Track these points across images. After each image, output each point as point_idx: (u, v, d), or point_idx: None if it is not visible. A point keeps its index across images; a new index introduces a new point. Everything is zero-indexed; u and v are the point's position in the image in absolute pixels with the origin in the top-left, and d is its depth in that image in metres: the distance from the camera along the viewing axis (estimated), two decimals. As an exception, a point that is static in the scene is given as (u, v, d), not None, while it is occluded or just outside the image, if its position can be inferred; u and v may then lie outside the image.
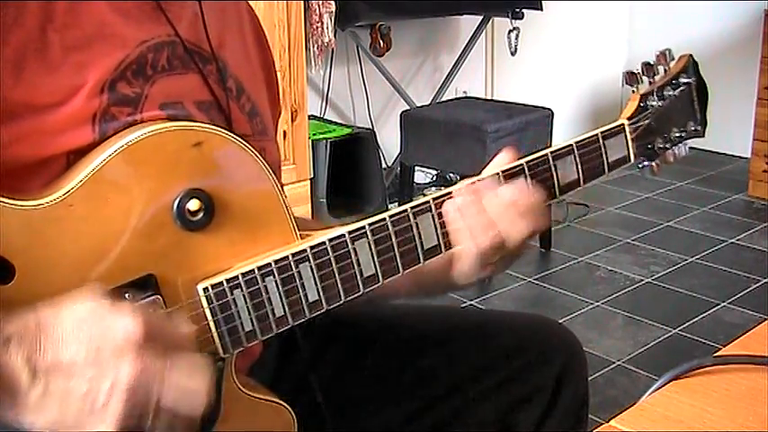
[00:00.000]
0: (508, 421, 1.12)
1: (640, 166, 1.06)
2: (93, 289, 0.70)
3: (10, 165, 0.74)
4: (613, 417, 0.74)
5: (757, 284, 3.06)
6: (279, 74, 1.12)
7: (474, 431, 1.12)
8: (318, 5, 3.13)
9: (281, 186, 0.91)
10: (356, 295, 0.85)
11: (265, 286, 0.79)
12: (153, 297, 0.76)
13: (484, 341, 1.15)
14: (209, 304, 0.77)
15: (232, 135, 0.79)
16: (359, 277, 0.84)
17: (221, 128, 0.80)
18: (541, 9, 3.73)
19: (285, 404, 0.86)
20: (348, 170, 3.37)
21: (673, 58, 1.06)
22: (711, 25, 4.53)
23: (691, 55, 1.08)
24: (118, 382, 0.65)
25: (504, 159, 0.94)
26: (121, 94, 0.80)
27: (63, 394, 0.64)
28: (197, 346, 0.77)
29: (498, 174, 0.92)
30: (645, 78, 1.04)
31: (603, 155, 0.99)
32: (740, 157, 4.36)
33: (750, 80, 4.01)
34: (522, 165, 0.93)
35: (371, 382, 1.12)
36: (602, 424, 0.73)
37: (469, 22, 3.93)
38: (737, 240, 3.49)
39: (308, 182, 2.96)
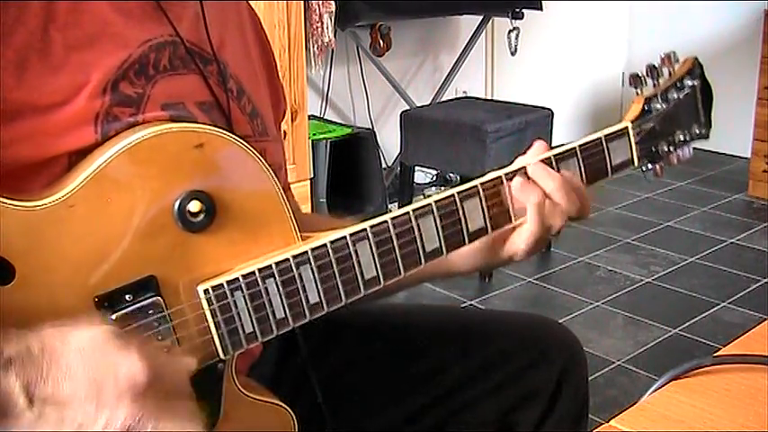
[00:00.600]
0: (508, 421, 1.12)
1: (644, 168, 1.06)
2: (103, 318, 0.69)
3: (11, 165, 0.74)
4: (613, 417, 0.74)
5: (757, 284, 3.06)
6: (279, 73, 1.12)
7: (474, 431, 1.12)
8: (318, 5, 3.13)
9: (288, 186, 0.92)
10: (357, 297, 0.85)
11: (266, 288, 0.79)
12: (154, 298, 0.76)
13: (484, 341, 1.15)
14: (209, 306, 0.77)
15: (233, 136, 0.79)
16: (360, 279, 0.84)
17: (222, 129, 0.80)
18: (541, 9, 3.73)
19: (285, 405, 0.86)
20: (348, 170, 3.37)
21: (677, 61, 1.06)
22: (711, 25, 4.53)
23: (696, 57, 1.08)
24: (112, 423, 0.64)
25: (538, 150, 0.96)
26: (123, 94, 0.80)
27: (55, 425, 0.63)
28: (197, 349, 0.78)
29: (501, 176, 0.92)
30: (649, 81, 1.03)
31: (607, 158, 0.99)
32: (740, 157, 4.36)
33: (750, 80, 4.01)
34: (523, 168, 0.93)
35: (371, 382, 1.12)
36: (602, 424, 0.73)
37: (469, 22, 3.93)
38: (737, 240, 3.49)
39: (308, 182, 2.96)
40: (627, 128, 1.01)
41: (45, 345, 0.64)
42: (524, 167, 0.94)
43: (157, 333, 0.77)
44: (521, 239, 0.95)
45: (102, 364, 0.64)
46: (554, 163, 0.95)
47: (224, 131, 0.79)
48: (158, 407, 0.66)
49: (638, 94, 1.03)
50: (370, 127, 3.75)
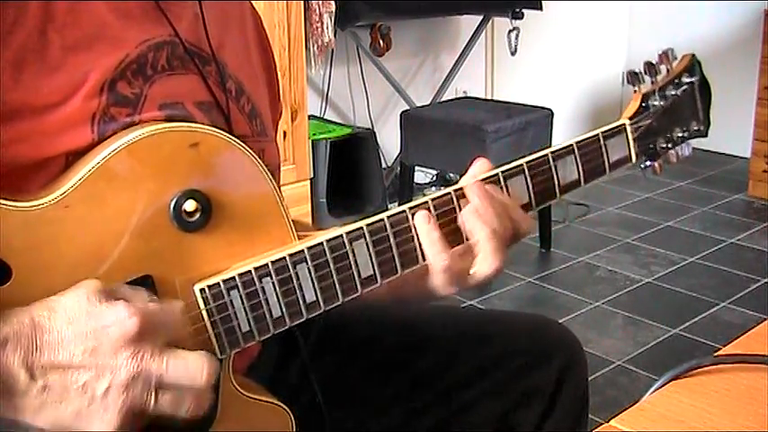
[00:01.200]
0: (508, 421, 1.12)
1: (642, 166, 1.05)
2: (86, 282, 0.70)
3: (9, 165, 0.74)
4: (613, 417, 0.74)
5: (757, 284, 3.06)
6: (278, 74, 1.11)
7: (474, 430, 1.12)
8: (318, 5, 3.13)
9: (279, 188, 0.91)
10: (354, 296, 0.85)
11: (262, 287, 0.79)
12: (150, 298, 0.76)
13: (484, 341, 1.15)
14: (206, 305, 0.77)
15: (229, 136, 0.79)
16: (357, 278, 0.83)
17: (220, 129, 0.79)
18: (541, 9, 3.73)
19: (283, 405, 0.86)
20: (348, 170, 3.37)
21: (675, 58, 1.05)
22: (711, 25, 4.53)
23: (693, 54, 1.08)
24: (115, 381, 0.66)
25: (481, 168, 0.92)
26: (120, 94, 0.80)
27: (61, 394, 0.65)
28: (194, 348, 0.77)
29: (498, 174, 0.92)
30: (647, 78, 1.03)
31: (604, 155, 0.99)
32: (740, 157, 4.36)
33: (750, 80, 4.01)
34: (522, 165, 0.93)
35: (371, 382, 1.12)
36: (602, 424, 0.73)
37: (469, 22, 3.93)
38: (737, 240, 3.48)
39: (308, 182, 2.96)
40: (624, 125, 1.01)
41: (34, 317, 0.66)
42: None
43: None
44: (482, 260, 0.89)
45: (93, 327, 0.66)
46: (551, 160, 0.94)
47: (220, 131, 0.78)
48: (158, 350, 0.68)
49: (635, 91, 1.03)
50: (370, 127, 3.75)
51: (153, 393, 0.67)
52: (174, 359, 0.68)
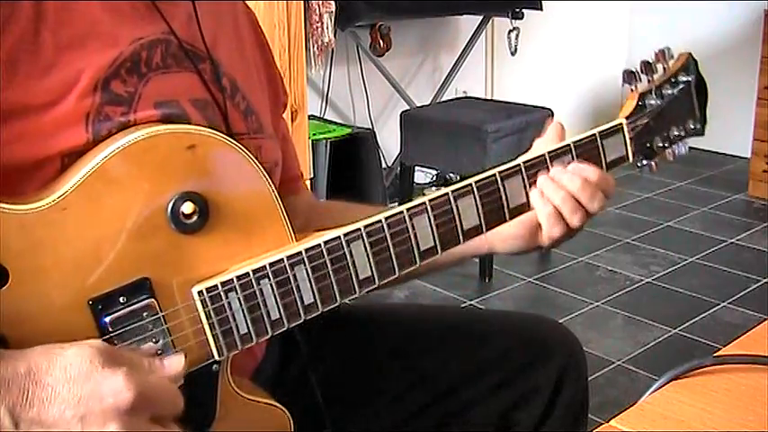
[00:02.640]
0: (508, 421, 1.12)
1: (639, 165, 1.05)
2: (92, 341, 0.68)
3: (5, 166, 0.74)
4: (613, 417, 0.74)
5: (757, 284, 3.06)
6: (278, 68, 1.12)
7: (474, 430, 1.12)
8: (318, 5, 3.12)
9: (301, 175, 0.93)
10: (352, 297, 0.84)
11: (260, 289, 0.78)
12: (147, 300, 0.76)
13: (484, 341, 1.15)
14: (203, 307, 0.77)
15: (226, 137, 0.79)
16: (354, 279, 0.83)
17: (216, 129, 0.79)
18: (541, 9, 3.73)
19: (281, 406, 0.86)
20: (348, 170, 3.37)
21: (672, 57, 1.06)
22: (711, 25, 4.53)
23: (690, 53, 1.08)
24: None
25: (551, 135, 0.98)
26: (114, 93, 0.80)
27: None
28: (192, 351, 0.77)
29: (496, 174, 0.92)
30: (644, 77, 1.03)
31: (602, 154, 0.99)
32: (740, 157, 4.36)
33: (750, 80, 4.01)
34: (519, 165, 0.93)
35: (371, 382, 1.12)
36: (602, 424, 0.73)
37: (469, 22, 3.93)
38: (737, 240, 3.48)
39: (309, 182, 2.96)
40: (621, 124, 1.01)
41: (31, 366, 0.64)
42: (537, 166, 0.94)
43: (152, 335, 0.76)
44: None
45: (88, 392, 0.64)
46: (547, 160, 0.95)
47: (217, 132, 0.78)
48: (148, 426, 0.66)
49: (632, 90, 1.03)
50: (370, 127, 3.75)
51: None
52: None
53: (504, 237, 1.00)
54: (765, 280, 3.08)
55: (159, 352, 0.76)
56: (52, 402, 0.63)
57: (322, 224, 0.87)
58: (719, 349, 0.88)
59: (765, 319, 0.93)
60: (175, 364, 0.72)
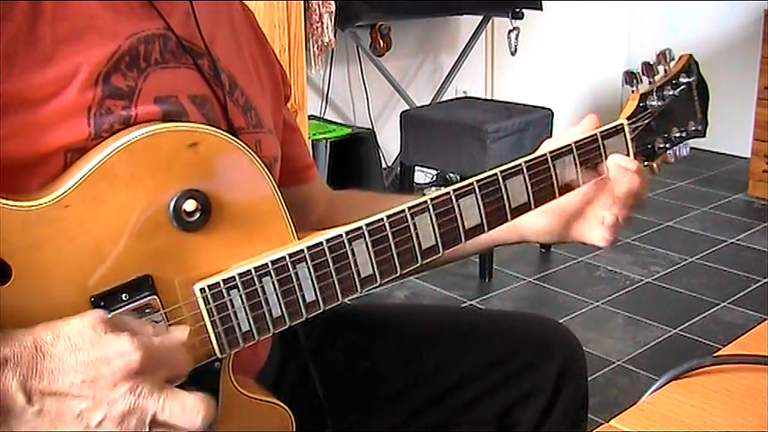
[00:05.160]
0: (508, 420, 1.12)
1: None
2: (93, 310, 0.69)
3: (8, 162, 0.74)
4: (613, 417, 0.74)
5: (757, 284, 3.06)
6: (279, 61, 1.12)
7: (474, 430, 1.12)
8: (318, 5, 3.13)
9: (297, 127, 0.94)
10: (354, 296, 0.84)
11: (262, 287, 0.78)
12: (149, 298, 0.76)
13: (484, 341, 1.15)
14: (206, 305, 0.77)
15: (229, 135, 0.79)
16: (356, 277, 0.83)
17: (215, 126, 0.79)
18: (541, 9, 3.73)
19: (283, 405, 0.86)
20: (348, 170, 3.37)
21: (673, 58, 1.06)
22: (711, 25, 4.53)
23: (691, 55, 1.08)
24: (110, 414, 0.65)
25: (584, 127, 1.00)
26: (115, 86, 0.80)
27: (55, 420, 0.64)
28: (193, 348, 0.77)
29: (497, 174, 0.92)
30: (644, 78, 1.03)
31: (603, 155, 0.99)
32: (740, 157, 4.36)
33: (750, 80, 4.01)
34: (520, 165, 0.93)
35: (372, 381, 1.12)
36: (602, 424, 0.73)
37: (469, 22, 3.93)
38: (737, 240, 3.48)
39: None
40: (622, 125, 1.01)
41: (36, 340, 0.65)
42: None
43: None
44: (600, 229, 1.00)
45: (95, 357, 0.65)
46: (549, 160, 0.95)
47: (218, 130, 0.78)
48: (157, 388, 0.67)
49: (633, 91, 1.03)
50: (370, 127, 3.75)
51: (146, 430, 0.66)
52: (172, 398, 0.67)
53: (538, 229, 1.02)
54: (765, 280, 3.08)
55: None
56: (61, 371, 0.64)
57: (344, 213, 0.88)
58: (719, 349, 0.88)
59: (765, 319, 0.93)
60: (178, 330, 0.73)
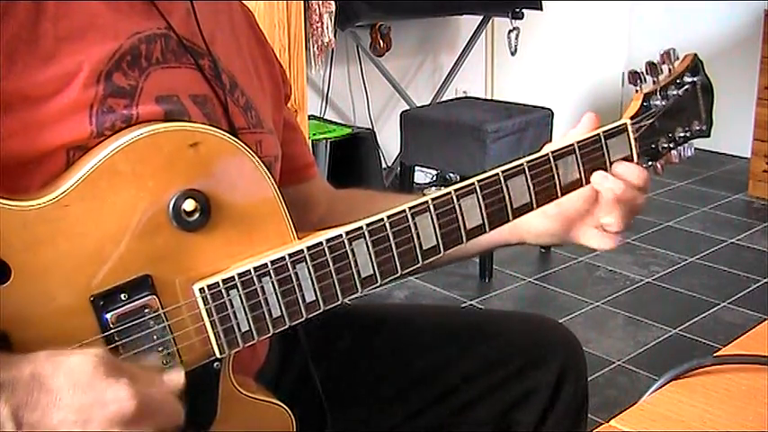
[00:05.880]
0: (508, 420, 1.12)
1: (644, 166, 1.05)
2: (96, 349, 0.69)
3: (9, 160, 0.74)
4: (613, 417, 0.73)
5: (757, 284, 3.06)
6: (279, 61, 1.12)
7: (474, 430, 1.12)
8: (318, 5, 3.12)
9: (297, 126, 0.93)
10: (354, 296, 0.84)
11: (262, 287, 0.78)
12: (149, 297, 0.76)
13: (484, 341, 1.15)
14: (205, 305, 0.77)
15: (229, 136, 0.79)
16: (356, 278, 0.83)
17: (216, 125, 0.79)
18: (541, 9, 3.73)
19: (283, 405, 0.86)
20: (348, 170, 3.37)
21: (677, 58, 1.05)
22: (711, 25, 4.53)
23: (696, 54, 1.07)
24: None
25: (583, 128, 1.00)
26: (117, 85, 0.80)
27: None
28: (193, 348, 0.77)
29: (499, 174, 0.92)
30: (648, 78, 1.03)
31: (606, 154, 0.99)
32: (740, 157, 4.36)
33: (750, 80, 4.01)
34: (522, 164, 0.93)
35: (372, 381, 1.12)
36: (602, 424, 0.73)
37: (469, 22, 3.93)
38: (737, 240, 3.48)
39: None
40: (626, 124, 1.00)
41: (36, 371, 0.64)
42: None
43: (153, 332, 0.76)
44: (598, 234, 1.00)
45: (91, 399, 0.64)
46: (551, 160, 0.95)
47: (219, 131, 0.78)
48: None
49: (637, 91, 1.02)
50: (370, 127, 3.75)
51: None
52: None
53: (538, 231, 1.02)
54: (765, 280, 3.08)
55: (164, 363, 0.76)
56: (56, 408, 0.64)
57: (346, 212, 0.87)
58: (719, 349, 0.88)
59: (765, 319, 0.93)
60: (175, 378, 0.72)
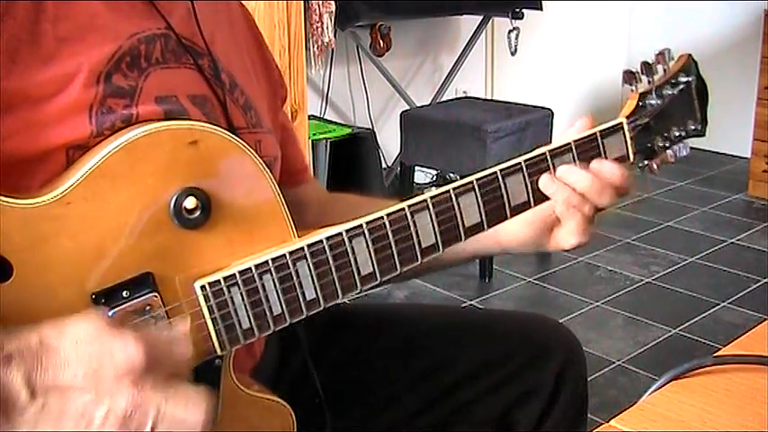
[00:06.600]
0: (507, 420, 1.12)
1: (640, 165, 1.05)
2: (98, 310, 0.70)
3: (10, 159, 0.74)
4: (613, 417, 0.74)
5: (757, 284, 3.06)
6: (276, 63, 1.12)
7: (474, 430, 1.12)
8: (318, 5, 3.12)
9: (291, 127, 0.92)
10: (353, 293, 0.85)
11: (263, 284, 0.79)
12: (150, 295, 0.76)
13: (483, 340, 1.15)
14: (206, 302, 0.77)
15: (228, 133, 0.79)
16: (356, 275, 0.83)
17: (217, 125, 0.79)
18: (541, 9, 3.73)
19: (284, 402, 0.86)
20: (348, 170, 3.37)
21: (672, 58, 1.06)
22: (711, 25, 4.53)
23: (690, 54, 1.08)
24: (113, 409, 0.64)
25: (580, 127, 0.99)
26: (116, 86, 0.80)
27: (59, 415, 0.64)
28: (194, 345, 0.77)
29: (497, 172, 0.92)
30: (644, 78, 1.03)
31: (602, 153, 0.99)
32: (740, 157, 4.36)
33: (750, 80, 4.02)
34: (520, 163, 0.93)
35: (372, 380, 1.12)
36: (602, 424, 0.73)
37: (469, 22, 3.93)
38: (737, 240, 3.48)
39: (308, 182, 2.95)
40: (622, 123, 1.01)
41: (42, 337, 0.65)
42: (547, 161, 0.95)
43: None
44: (565, 232, 0.98)
45: (98, 351, 0.65)
46: (549, 158, 0.95)
47: (219, 128, 0.78)
48: (160, 391, 0.66)
49: (632, 90, 1.03)
50: (370, 127, 3.75)
51: (150, 425, 0.66)
52: (175, 394, 0.67)
53: (519, 240, 1.01)
54: (765, 280, 3.08)
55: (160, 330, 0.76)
56: (64, 364, 0.64)
57: (336, 216, 0.88)
58: (719, 349, 0.88)
59: (765, 319, 0.93)
60: (180, 322, 0.73)
